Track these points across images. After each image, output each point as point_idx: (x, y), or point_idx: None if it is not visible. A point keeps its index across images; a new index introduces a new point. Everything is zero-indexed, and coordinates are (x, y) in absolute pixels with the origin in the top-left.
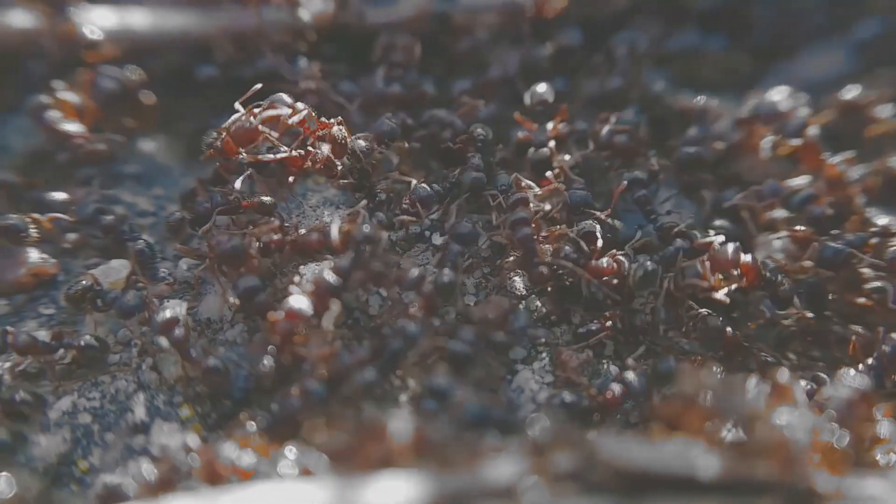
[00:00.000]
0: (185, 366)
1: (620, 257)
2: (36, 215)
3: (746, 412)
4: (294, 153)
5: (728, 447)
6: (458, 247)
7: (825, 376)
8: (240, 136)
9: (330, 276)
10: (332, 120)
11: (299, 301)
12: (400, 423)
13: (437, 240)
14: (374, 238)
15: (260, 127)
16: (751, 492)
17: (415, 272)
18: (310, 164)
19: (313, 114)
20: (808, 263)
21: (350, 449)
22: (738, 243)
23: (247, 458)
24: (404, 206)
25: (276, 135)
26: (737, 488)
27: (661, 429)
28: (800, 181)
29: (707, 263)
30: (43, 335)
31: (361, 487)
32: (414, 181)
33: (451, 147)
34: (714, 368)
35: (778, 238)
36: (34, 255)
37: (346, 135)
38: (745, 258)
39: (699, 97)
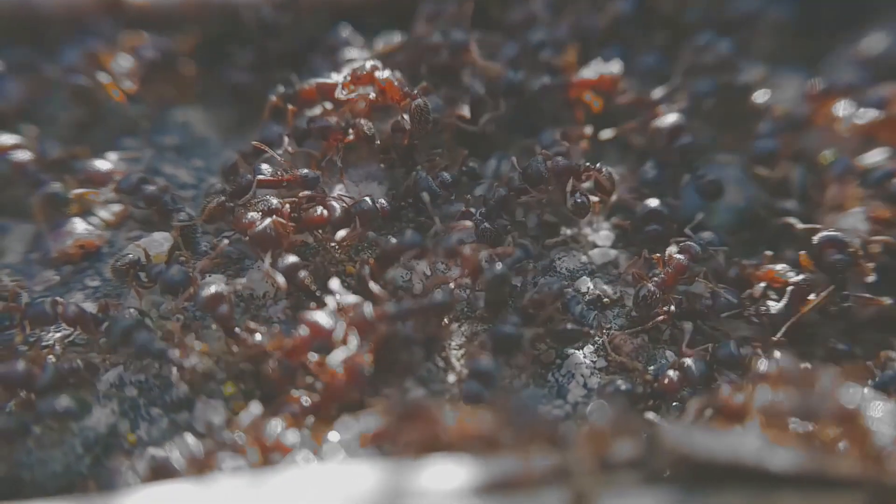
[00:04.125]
0: (229, 342)
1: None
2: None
3: (828, 404)
4: (335, 123)
5: (806, 439)
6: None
7: None
8: (322, 87)
9: (369, 310)
10: (415, 91)
11: (322, 318)
12: (446, 407)
13: (479, 190)
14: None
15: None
16: (832, 487)
17: (453, 238)
18: (352, 137)
19: (394, 83)
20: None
21: (396, 431)
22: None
23: (291, 437)
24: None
25: (350, 90)
26: (817, 483)
27: (726, 417)
28: (874, 157)
29: None
30: (90, 307)
31: (411, 470)
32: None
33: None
34: (779, 356)
35: (850, 217)
36: (81, 226)
37: (427, 111)
38: None
39: (763, 69)
